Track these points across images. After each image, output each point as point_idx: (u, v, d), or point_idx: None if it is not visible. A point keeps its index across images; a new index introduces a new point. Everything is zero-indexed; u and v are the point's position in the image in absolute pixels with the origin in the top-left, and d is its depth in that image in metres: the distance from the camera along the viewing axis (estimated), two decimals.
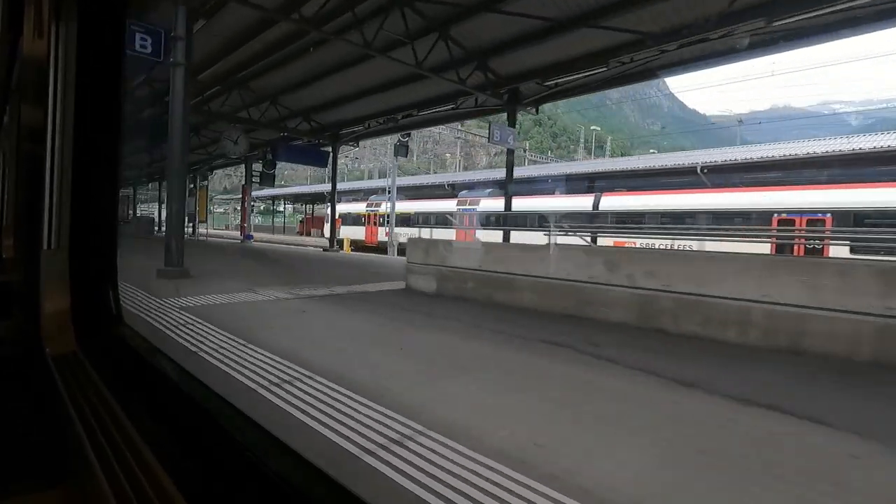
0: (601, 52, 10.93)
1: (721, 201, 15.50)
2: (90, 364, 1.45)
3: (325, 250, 21.17)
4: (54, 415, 1.39)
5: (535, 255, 7.51)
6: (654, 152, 46.34)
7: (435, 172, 61.66)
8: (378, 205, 29.54)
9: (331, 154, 20.33)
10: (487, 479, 2.25)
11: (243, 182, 25.05)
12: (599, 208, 18.38)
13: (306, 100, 16.93)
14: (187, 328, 5.17)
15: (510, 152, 14.09)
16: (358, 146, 23.36)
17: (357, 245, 27.77)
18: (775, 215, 14.14)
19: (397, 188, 28.40)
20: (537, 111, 15.16)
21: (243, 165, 25.93)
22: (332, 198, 21.48)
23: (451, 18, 10.78)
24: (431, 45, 11.06)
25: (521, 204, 20.87)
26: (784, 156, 17.96)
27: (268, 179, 23.52)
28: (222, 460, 0.87)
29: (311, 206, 49.44)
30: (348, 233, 29.65)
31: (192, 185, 25.42)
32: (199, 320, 5.53)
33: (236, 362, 4.00)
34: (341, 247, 26.59)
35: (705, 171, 19.46)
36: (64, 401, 1.26)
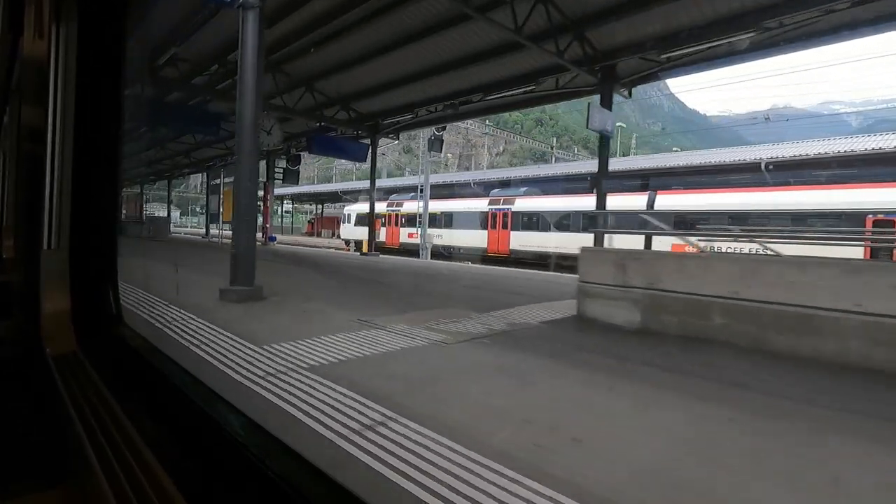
0: (731, 18, 9.07)
1: (799, 200, 14.08)
2: (90, 364, 1.45)
3: (362, 254, 19.14)
4: (54, 415, 1.40)
5: (870, 277, 4.45)
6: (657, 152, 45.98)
7: (438, 173, 60.90)
8: (399, 204, 28.15)
9: (370, 147, 18.27)
10: None
11: (264, 179, 22.60)
12: (654, 207, 16.53)
13: (346, 86, 15.17)
14: (363, 424, 2.63)
15: (605, 141, 11.48)
16: (398, 138, 21.31)
17: (376, 248, 27.04)
18: (869, 216, 12.62)
19: (411, 187, 27.57)
20: (630, 94, 12.84)
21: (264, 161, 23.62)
22: (372, 196, 19.27)
23: None
24: (530, 8, 9.47)
25: (562, 203, 19.91)
26: (869, 150, 16.13)
27: (292, 176, 21.45)
28: (222, 460, 0.87)
29: (320, 205, 48.44)
30: (363, 234, 28.47)
31: (216, 181, 23.29)
32: (360, 398, 3.03)
33: None
34: (359, 249, 25.77)
35: (770, 167, 17.69)
36: (64, 401, 1.26)
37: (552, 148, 49.86)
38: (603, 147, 11.55)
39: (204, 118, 15.72)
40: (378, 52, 12.35)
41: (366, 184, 44.05)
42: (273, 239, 24.50)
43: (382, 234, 27.82)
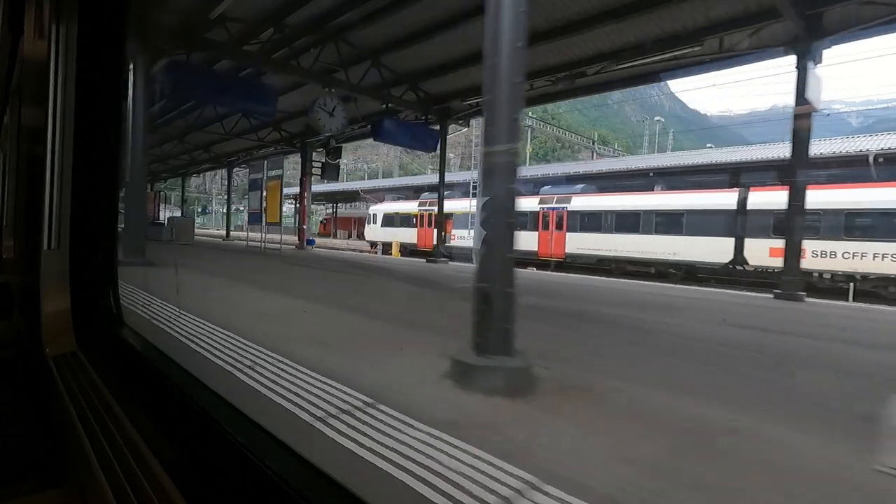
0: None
1: None
2: (90, 364, 1.45)
3: (428, 261, 15.49)
4: (55, 415, 1.40)
5: None
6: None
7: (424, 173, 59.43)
8: (433, 203, 25.47)
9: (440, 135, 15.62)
10: None
11: (301, 175, 20.31)
12: (748, 207, 14.93)
13: (415, 61, 12.84)
14: None
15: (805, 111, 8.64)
16: (469, 126, 17.98)
17: (406, 250, 24.97)
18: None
19: (432, 185, 25.30)
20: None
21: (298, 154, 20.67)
22: (441, 192, 16.43)
23: None
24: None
25: (631, 203, 17.74)
26: None
27: (332, 172, 18.64)
28: (222, 460, 0.87)
29: (332, 205, 46.37)
30: (392, 235, 26.47)
31: (256, 176, 18.88)
32: None
33: None
34: (387, 251, 24.92)
35: (880, 160, 15.76)
36: (64, 401, 1.26)
37: (593, 142, 47.30)
38: (801, 135, 8.63)
39: (258, 94, 12.85)
40: (453, 20, 10.28)
41: (389, 182, 42.03)
42: (311, 242, 22.53)
43: (408, 236, 25.83)
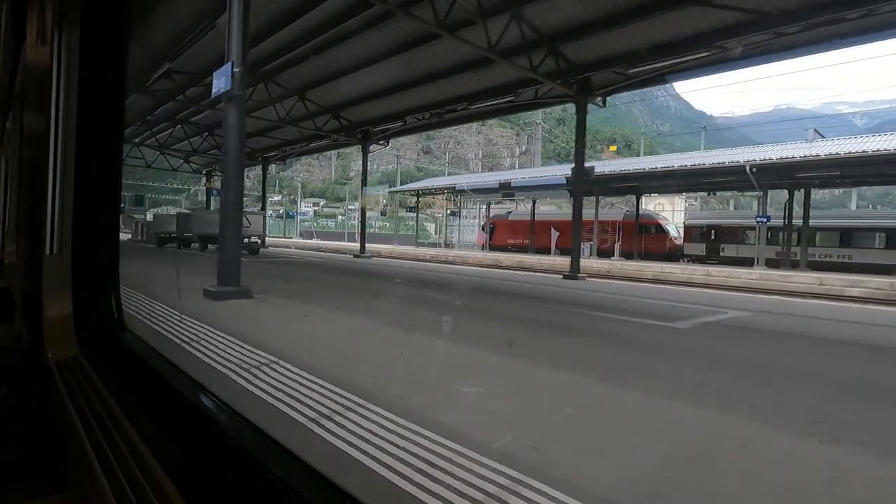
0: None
1: None
2: (92, 369, 1.46)
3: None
4: (57, 419, 1.40)
5: None
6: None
7: (458, 173, 56.35)
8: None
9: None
10: None
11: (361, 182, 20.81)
12: None
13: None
14: None
15: None
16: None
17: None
18: None
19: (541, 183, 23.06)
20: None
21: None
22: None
23: None
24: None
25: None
26: None
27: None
28: (224, 463, 0.87)
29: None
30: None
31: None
32: None
33: None
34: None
35: None
36: (66, 406, 1.26)
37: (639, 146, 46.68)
38: None
39: None
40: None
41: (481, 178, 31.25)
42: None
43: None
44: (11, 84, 2.93)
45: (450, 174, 56.34)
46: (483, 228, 33.31)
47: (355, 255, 20.60)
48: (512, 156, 75.67)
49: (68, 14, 1.61)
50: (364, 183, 20.13)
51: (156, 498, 0.79)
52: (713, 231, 24.48)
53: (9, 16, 2.24)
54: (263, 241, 21.17)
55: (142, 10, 10.52)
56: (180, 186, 55.42)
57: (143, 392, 1.27)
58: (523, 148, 76.50)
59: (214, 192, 28.09)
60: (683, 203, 39.70)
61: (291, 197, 67.35)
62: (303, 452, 0.86)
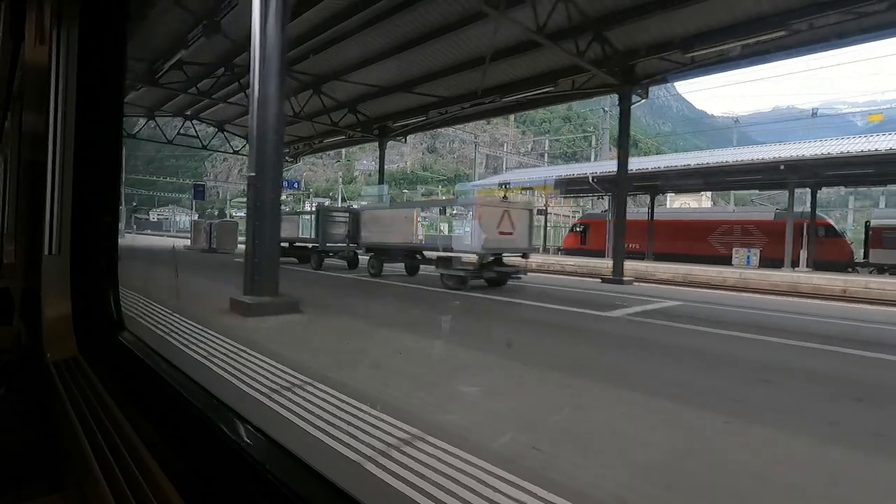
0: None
1: None
2: (91, 369, 1.45)
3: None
4: (56, 420, 1.39)
5: None
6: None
7: (465, 173, 55.99)
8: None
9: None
10: None
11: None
12: None
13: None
14: None
15: None
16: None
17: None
18: None
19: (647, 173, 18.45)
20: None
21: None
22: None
23: None
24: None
25: None
26: None
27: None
28: (223, 465, 0.86)
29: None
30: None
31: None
32: None
33: None
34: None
35: None
36: (65, 406, 1.26)
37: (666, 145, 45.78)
38: None
39: None
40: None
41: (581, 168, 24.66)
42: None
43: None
44: (10, 84, 2.92)
45: (456, 174, 55.27)
46: (574, 229, 28.10)
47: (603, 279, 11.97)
48: (518, 154, 75.57)
49: (67, 13, 1.60)
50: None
51: (154, 498, 0.79)
52: None
53: (7, 15, 2.23)
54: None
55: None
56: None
57: (142, 392, 1.27)
58: (528, 147, 76.51)
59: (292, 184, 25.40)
60: (709, 202, 39.01)
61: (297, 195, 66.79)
62: (302, 453, 0.86)
